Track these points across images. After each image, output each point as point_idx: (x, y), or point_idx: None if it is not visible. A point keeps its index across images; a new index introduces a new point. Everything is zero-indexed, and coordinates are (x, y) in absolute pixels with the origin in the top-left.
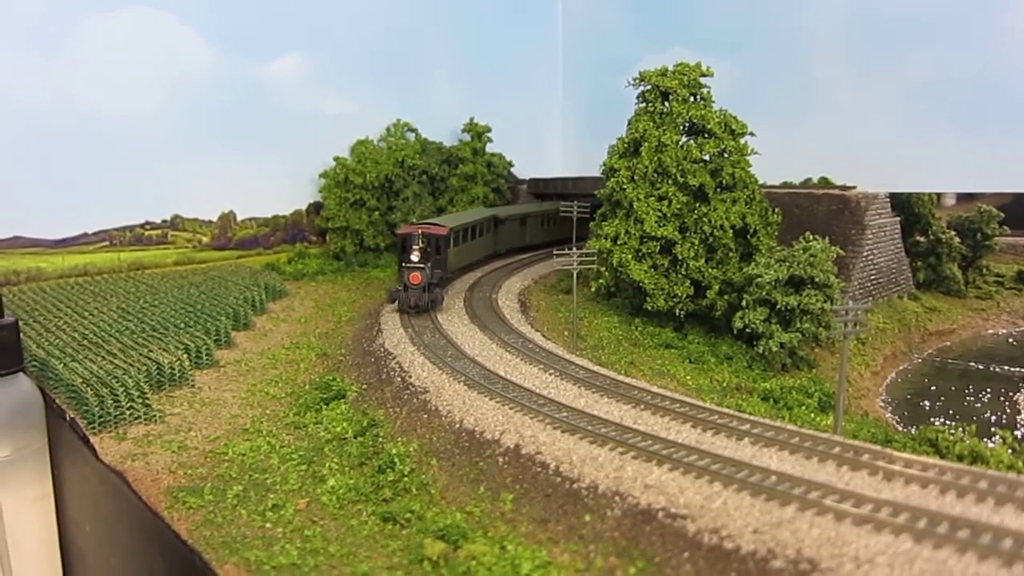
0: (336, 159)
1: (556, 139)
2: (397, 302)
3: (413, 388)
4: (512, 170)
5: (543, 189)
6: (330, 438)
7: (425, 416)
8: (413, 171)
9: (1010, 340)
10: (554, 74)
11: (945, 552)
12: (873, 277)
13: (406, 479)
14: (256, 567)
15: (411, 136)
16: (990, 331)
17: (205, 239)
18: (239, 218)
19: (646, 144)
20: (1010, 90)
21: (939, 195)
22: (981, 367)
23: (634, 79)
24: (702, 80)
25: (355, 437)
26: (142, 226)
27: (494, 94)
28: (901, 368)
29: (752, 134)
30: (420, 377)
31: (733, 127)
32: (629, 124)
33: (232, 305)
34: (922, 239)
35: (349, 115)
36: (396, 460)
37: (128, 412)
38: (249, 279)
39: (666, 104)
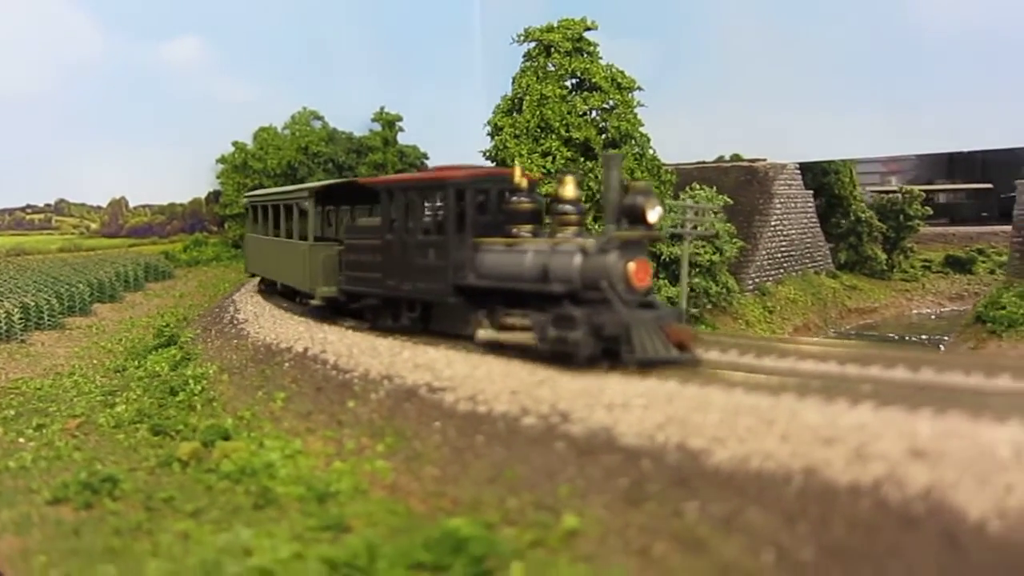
0: (235, 144)
1: (480, 133)
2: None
3: (236, 321)
4: (428, 162)
5: None
6: (143, 376)
7: (236, 341)
8: (318, 159)
9: (933, 317)
10: (474, 65)
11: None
12: (784, 248)
13: (195, 398)
14: None
15: (318, 124)
16: (915, 311)
17: (94, 225)
18: (131, 205)
19: (528, 98)
20: (915, 56)
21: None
22: (897, 338)
23: (518, 36)
24: (588, 36)
25: (169, 372)
26: (22, 209)
27: (412, 88)
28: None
29: (640, 88)
30: (246, 312)
31: (620, 81)
32: (513, 81)
33: (99, 278)
34: (844, 221)
35: (252, 102)
36: (190, 381)
37: None
38: (129, 261)
39: (550, 60)
